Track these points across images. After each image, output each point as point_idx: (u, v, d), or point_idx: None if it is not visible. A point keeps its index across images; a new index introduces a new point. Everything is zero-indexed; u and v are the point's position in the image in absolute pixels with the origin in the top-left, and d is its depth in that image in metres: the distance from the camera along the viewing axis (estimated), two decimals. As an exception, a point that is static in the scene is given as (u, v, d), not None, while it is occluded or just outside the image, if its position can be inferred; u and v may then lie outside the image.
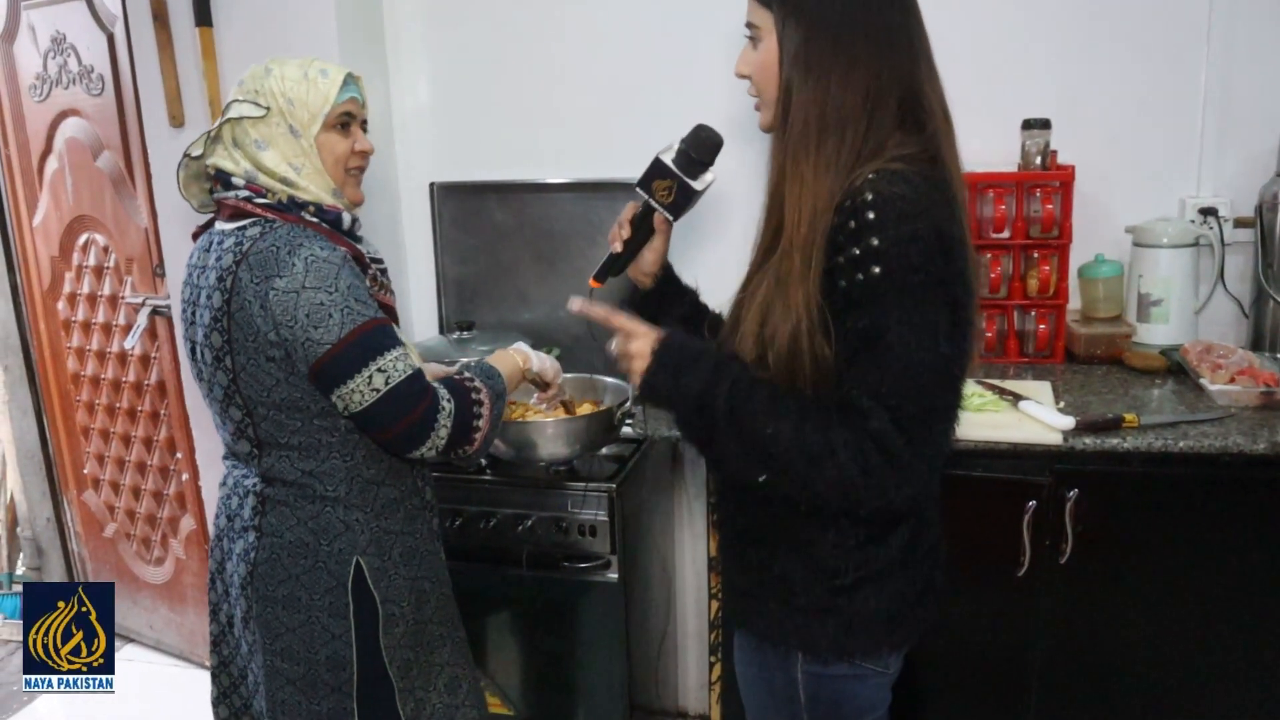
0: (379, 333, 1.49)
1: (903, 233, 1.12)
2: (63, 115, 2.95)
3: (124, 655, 3.31)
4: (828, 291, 1.17)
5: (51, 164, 3.03)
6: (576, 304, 1.37)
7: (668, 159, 1.40)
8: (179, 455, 2.98)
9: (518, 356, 1.77)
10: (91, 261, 3.04)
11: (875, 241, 1.12)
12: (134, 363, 3.01)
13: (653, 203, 1.42)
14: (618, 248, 1.48)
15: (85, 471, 3.34)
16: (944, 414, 1.22)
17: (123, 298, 2.95)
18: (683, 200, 1.41)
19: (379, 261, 1.65)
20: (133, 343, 2.83)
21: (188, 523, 3.03)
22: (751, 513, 1.34)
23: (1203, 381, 1.97)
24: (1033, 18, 2.26)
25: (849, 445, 1.15)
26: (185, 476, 2.97)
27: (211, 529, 1.72)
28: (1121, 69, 2.24)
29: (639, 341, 1.29)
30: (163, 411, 2.99)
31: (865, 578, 1.28)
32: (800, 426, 1.17)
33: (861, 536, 1.27)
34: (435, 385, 1.54)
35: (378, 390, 1.47)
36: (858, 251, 1.13)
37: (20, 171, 3.15)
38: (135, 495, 3.19)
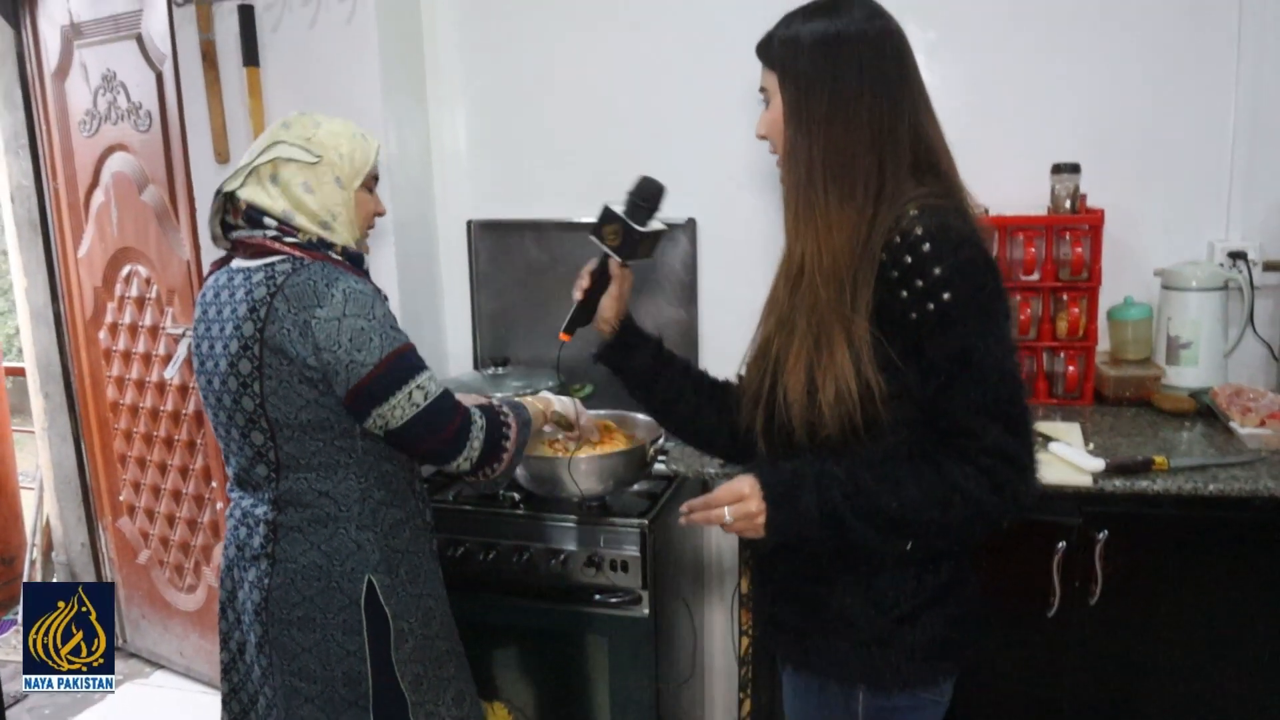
0: (413, 355, 1.62)
1: (961, 258, 1.20)
2: (110, 150, 3.03)
3: (154, 681, 3.35)
4: (887, 327, 1.23)
5: (98, 197, 3.12)
6: (684, 519, 1.36)
7: (615, 206, 1.50)
8: (214, 484, 3.02)
9: (540, 402, 1.88)
10: (134, 292, 3.11)
11: (938, 270, 1.19)
12: (172, 392, 3.06)
13: (604, 247, 1.51)
14: (578, 295, 1.56)
15: (121, 498, 3.39)
16: (1030, 412, 1.27)
17: (163, 328, 3.02)
18: (629, 244, 1.50)
19: (386, 299, 1.74)
20: (172, 373, 2.89)
21: (220, 551, 3.07)
22: (803, 553, 1.36)
23: (1233, 425, 1.97)
24: (1061, 62, 2.29)
25: (969, 475, 1.21)
26: (219, 505, 3.02)
27: (221, 559, 1.79)
28: (1150, 113, 2.27)
29: (750, 500, 1.28)
30: (199, 441, 3.04)
31: (921, 605, 1.32)
32: (918, 484, 1.23)
33: (918, 565, 1.31)
34: (467, 405, 1.67)
35: (417, 405, 1.58)
36: (921, 283, 1.20)
37: (67, 204, 3.23)
38: (169, 523, 3.23)
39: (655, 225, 1.51)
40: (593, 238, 1.52)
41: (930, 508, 1.23)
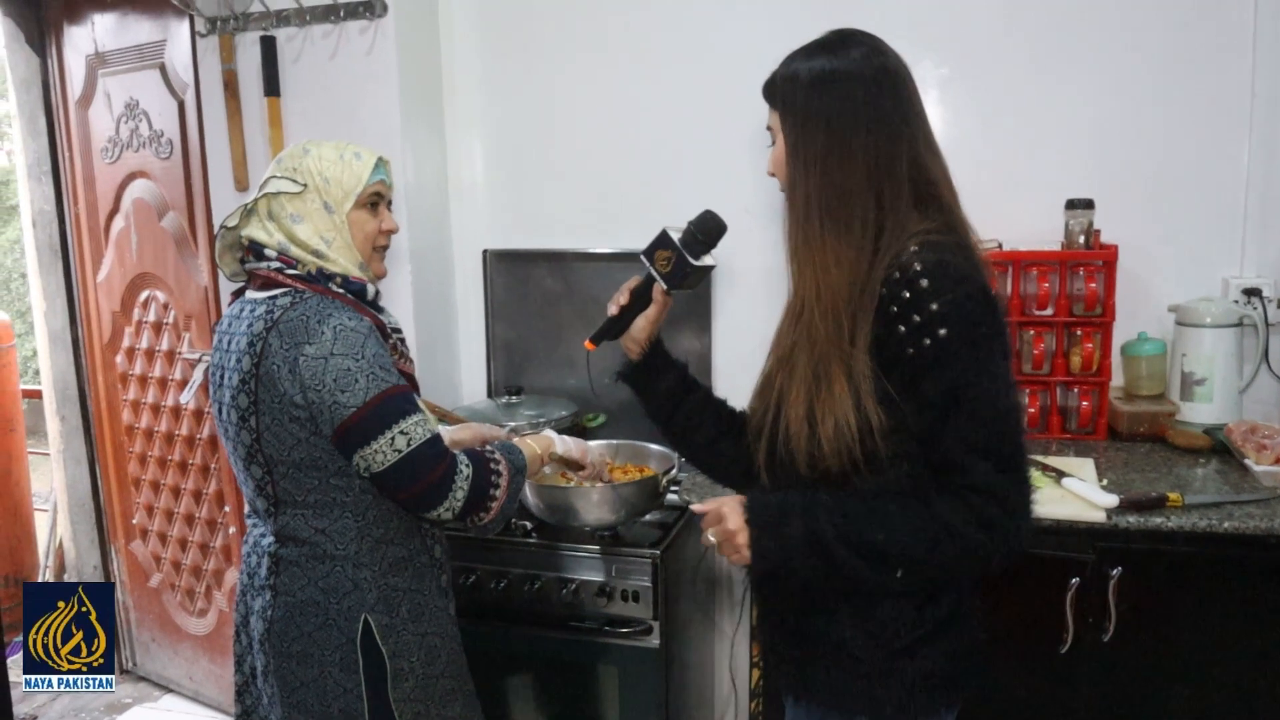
0: (401, 398, 1.57)
1: (959, 294, 1.21)
2: (131, 177, 3.07)
3: (162, 705, 3.35)
4: (886, 362, 1.24)
5: (118, 223, 3.15)
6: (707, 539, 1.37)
7: (673, 233, 1.50)
8: (227, 509, 3.03)
9: (539, 444, 1.84)
10: (151, 317, 3.13)
11: (935, 306, 1.20)
12: (187, 417, 3.08)
13: (652, 270, 1.51)
14: (613, 310, 1.56)
15: (134, 522, 3.40)
16: (1026, 451, 1.27)
17: (180, 353, 3.04)
18: (679, 273, 1.49)
19: (398, 331, 1.74)
20: (188, 398, 2.91)
21: (232, 575, 3.08)
22: (796, 583, 1.36)
23: (1247, 462, 1.97)
24: (1076, 99, 2.31)
25: (958, 511, 1.22)
26: (232, 530, 3.03)
27: (237, 584, 1.79)
28: (1164, 149, 2.28)
29: (731, 519, 1.30)
30: (213, 466, 3.06)
31: (922, 638, 1.32)
32: (906, 518, 1.24)
33: (919, 598, 1.31)
34: (455, 452, 1.61)
35: (399, 451, 1.54)
36: (919, 319, 1.21)
37: (88, 230, 3.26)
38: (182, 546, 3.24)
39: (707, 260, 1.52)
40: (643, 258, 1.52)
41: (917, 542, 1.23)
